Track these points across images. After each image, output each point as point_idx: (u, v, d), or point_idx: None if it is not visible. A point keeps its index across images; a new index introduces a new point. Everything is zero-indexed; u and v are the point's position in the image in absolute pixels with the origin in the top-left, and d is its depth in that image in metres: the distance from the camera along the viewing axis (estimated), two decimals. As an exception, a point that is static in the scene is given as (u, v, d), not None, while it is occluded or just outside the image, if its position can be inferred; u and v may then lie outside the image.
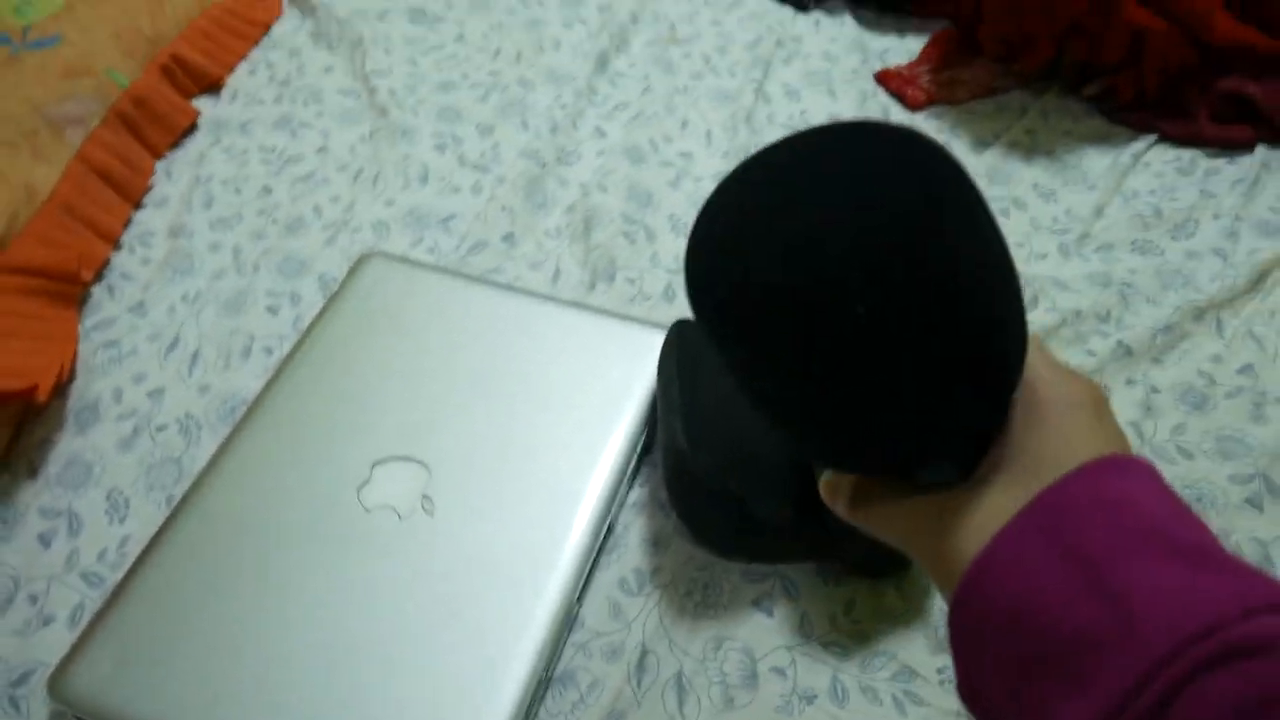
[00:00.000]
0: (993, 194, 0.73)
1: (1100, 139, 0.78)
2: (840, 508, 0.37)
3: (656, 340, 0.58)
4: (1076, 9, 0.75)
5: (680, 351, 0.54)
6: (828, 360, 0.29)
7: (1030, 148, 0.77)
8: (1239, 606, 0.24)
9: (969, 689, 0.30)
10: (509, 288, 0.65)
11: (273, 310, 0.67)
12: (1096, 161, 0.76)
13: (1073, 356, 0.62)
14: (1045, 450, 0.30)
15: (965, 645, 0.30)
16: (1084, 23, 0.76)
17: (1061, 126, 0.79)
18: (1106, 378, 0.61)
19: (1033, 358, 0.32)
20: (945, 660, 0.49)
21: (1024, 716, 0.27)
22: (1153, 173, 0.75)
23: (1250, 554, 0.53)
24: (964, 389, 0.30)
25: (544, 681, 0.48)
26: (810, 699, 0.48)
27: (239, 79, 0.86)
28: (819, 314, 0.28)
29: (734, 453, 0.49)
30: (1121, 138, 0.78)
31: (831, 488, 0.38)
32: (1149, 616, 0.25)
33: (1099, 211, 0.72)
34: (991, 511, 0.30)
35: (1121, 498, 0.28)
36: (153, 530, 0.54)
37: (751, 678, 0.49)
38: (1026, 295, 0.65)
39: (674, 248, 0.70)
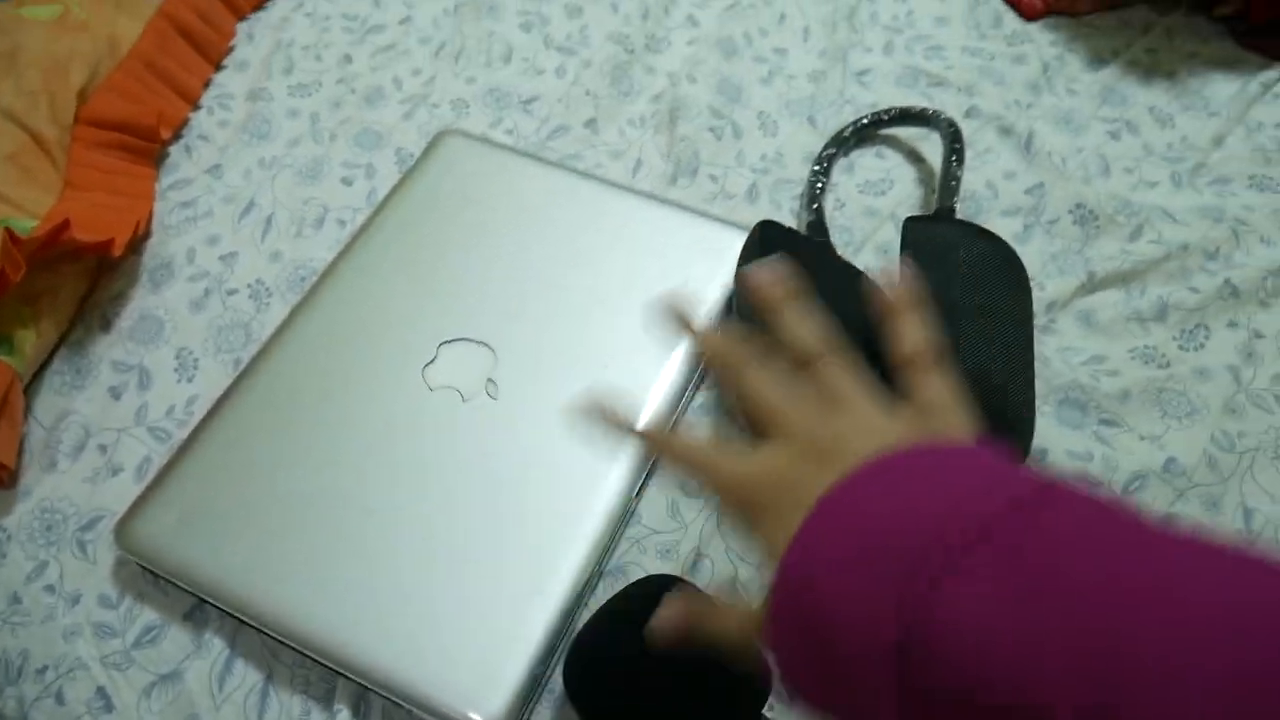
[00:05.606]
0: (1104, 114, 0.69)
1: (1227, 64, 0.72)
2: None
3: (736, 241, 0.56)
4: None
5: (763, 252, 0.52)
6: None
7: (1150, 68, 0.72)
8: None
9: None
10: (588, 175, 0.63)
11: (348, 181, 0.66)
12: (1221, 88, 0.71)
13: (1174, 292, 0.59)
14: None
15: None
16: (1227, -67, 0.70)
17: (1186, 48, 0.73)
18: (1208, 317, 0.58)
19: None
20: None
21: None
22: (1282, 104, 0.70)
23: (1345, 512, 0.51)
24: None
25: (597, 573, 0.48)
26: (865, 616, 0.47)
27: (324, -58, 0.84)
28: None
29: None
30: (1251, 65, 0.72)
31: None
32: None
33: (1218, 141, 0.67)
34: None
35: None
36: (219, 391, 0.54)
37: (807, 590, 0.48)
38: (1131, 225, 0.61)
39: (761, 147, 0.67)
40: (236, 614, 0.47)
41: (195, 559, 0.48)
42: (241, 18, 0.78)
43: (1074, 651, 0.20)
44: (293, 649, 0.46)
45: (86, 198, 0.61)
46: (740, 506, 0.32)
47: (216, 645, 0.48)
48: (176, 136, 0.70)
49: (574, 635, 0.45)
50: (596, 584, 0.49)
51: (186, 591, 0.48)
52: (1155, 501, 0.51)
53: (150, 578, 0.50)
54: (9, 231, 0.50)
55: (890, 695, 0.23)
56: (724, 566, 0.49)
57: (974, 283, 0.51)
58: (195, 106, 0.72)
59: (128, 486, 0.53)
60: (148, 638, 0.48)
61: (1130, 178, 0.65)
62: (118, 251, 0.58)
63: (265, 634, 0.47)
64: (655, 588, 0.45)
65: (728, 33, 0.74)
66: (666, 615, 0.34)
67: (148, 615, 0.49)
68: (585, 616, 0.45)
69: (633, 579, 0.49)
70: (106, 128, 0.64)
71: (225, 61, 0.75)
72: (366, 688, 0.45)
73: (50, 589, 0.50)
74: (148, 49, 0.69)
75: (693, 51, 0.74)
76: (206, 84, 0.73)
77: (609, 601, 0.45)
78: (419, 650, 0.44)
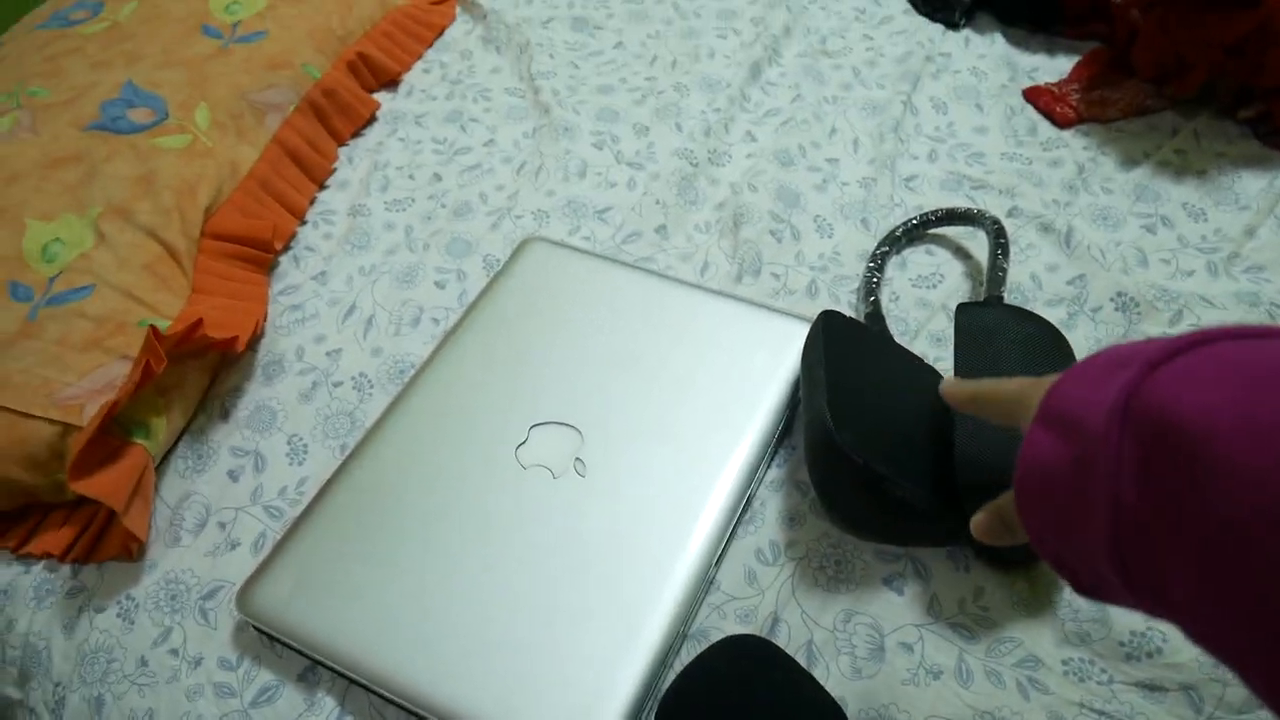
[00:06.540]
0: (1138, 210, 0.74)
1: (1254, 162, 0.77)
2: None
3: (799, 330, 0.61)
4: (1237, 34, 0.74)
5: (827, 337, 0.56)
6: None
7: (1181, 168, 0.77)
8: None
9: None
10: (661, 275, 0.68)
11: (440, 285, 0.73)
12: (1250, 184, 0.75)
13: (1217, 373, 0.62)
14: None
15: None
16: (1245, 46, 0.75)
17: (1214, 148, 0.79)
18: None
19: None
20: (1071, 652, 0.50)
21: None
22: (1311, 198, 0.74)
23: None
24: None
25: (681, 636, 0.51)
26: (936, 675, 0.50)
27: (415, 76, 0.93)
28: None
29: (877, 433, 0.52)
30: (1277, 162, 0.77)
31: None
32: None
33: (1250, 232, 0.71)
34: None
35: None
36: (328, 473, 0.59)
37: (879, 651, 0.51)
38: (1171, 310, 0.65)
39: (819, 247, 0.73)
40: (347, 674, 0.51)
41: (309, 623, 0.52)
42: (343, 143, 0.87)
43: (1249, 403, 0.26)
44: (399, 706, 0.50)
45: (209, 301, 0.68)
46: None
47: (328, 704, 0.52)
48: (286, 248, 0.77)
49: (661, 693, 0.48)
50: (680, 646, 0.52)
51: (300, 653, 0.52)
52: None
53: (267, 641, 0.54)
54: (154, 328, 0.57)
55: (1110, 471, 0.30)
56: (799, 630, 0.52)
57: (1024, 360, 0.55)
58: (302, 221, 0.79)
59: (245, 559, 0.58)
60: (264, 697, 0.52)
61: (1168, 268, 0.69)
62: (241, 347, 0.65)
63: (373, 692, 0.51)
64: (735, 648, 0.49)
65: (783, 145, 0.81)
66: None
67: (264, 676, 0.53)
68: (671, 676, 0.49)
69: (714, 641, 0.52)
70: (228, 240, 0.72)
71: (329, 182, 0.83)
72: (469, 741, 0.48)
73: (174, 653, 0.54)
74: (263, 171, 0.78)
75: (752, 164, 0.80)
76: (312, 201, 0.81)
77: (693, 661, 0.48)
78: (516, 708, 0.48)
